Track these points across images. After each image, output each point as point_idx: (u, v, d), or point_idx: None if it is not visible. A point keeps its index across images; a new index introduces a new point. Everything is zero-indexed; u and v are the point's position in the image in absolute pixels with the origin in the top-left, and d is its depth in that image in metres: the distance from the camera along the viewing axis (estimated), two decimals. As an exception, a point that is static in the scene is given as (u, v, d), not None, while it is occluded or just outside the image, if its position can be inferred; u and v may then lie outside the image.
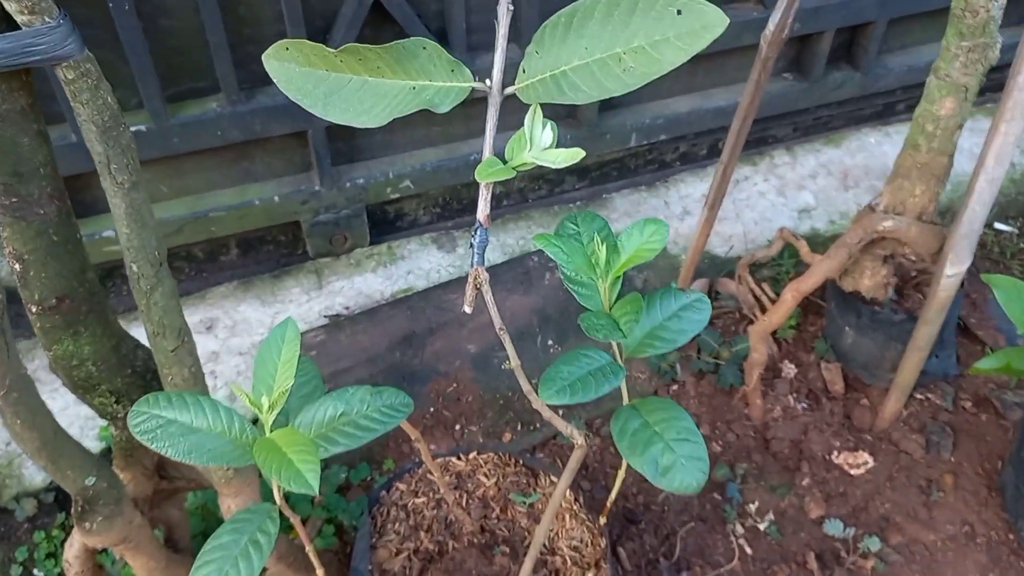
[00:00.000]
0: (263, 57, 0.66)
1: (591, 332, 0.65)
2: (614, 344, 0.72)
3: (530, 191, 2.14)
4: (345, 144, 1.85)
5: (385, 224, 2.03)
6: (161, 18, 1.51)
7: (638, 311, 0.66)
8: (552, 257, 0.69)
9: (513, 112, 0.81)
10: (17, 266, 0.86)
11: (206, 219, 1.75)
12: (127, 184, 0.79)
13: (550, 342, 1.78)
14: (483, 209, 0.69)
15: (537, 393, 0.67)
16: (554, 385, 0.66)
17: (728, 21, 0.58)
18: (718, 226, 2.03)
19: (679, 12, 0.60)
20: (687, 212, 2.11)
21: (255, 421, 0.72)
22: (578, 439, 0.74)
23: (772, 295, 1.84)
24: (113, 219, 0.84)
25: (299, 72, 0.69)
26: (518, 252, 1.99)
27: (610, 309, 0.72)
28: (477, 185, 2.14)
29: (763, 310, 1.82)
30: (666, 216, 2.10)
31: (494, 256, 1.96)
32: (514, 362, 0.76)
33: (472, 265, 0.69)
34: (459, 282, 1.90)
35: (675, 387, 1.73)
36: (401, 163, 1.88)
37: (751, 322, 1.82)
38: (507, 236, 2.03)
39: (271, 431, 0.66)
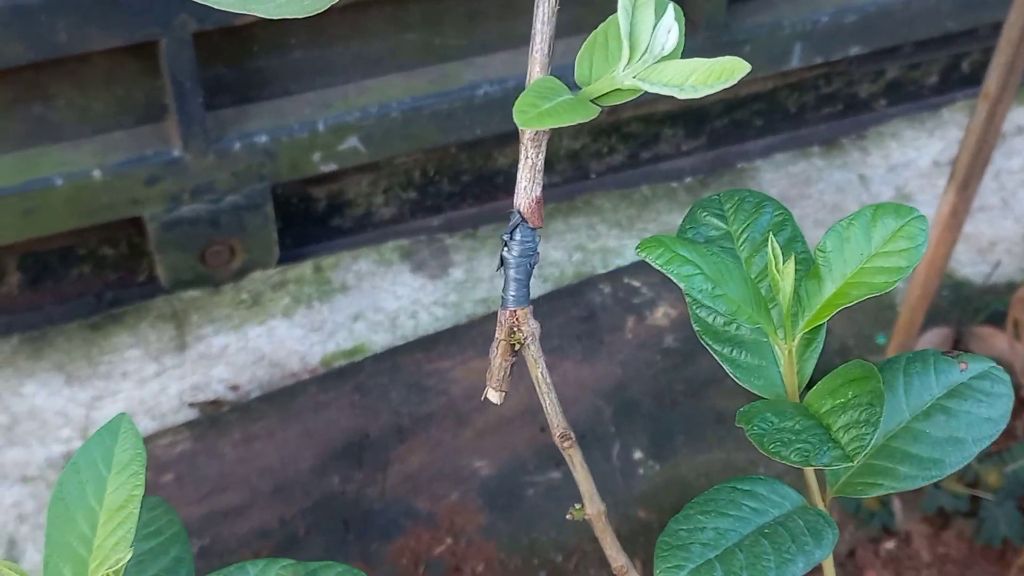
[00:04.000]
0: None
1: (770, 448, 0.62)
2: (809, 472, 0.69)
3: (592, 156, 2.16)
4: (232, 67, 1.86)
5: (310, 224, 2.04)
6: None
7: (875, 402, 0.62)
8: (677, 282, 0.65)
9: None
10: None
11: (-41, 215, 1.77)
12: None
13: (637, 454, 1.78)
14: (527, 189, 0.67)
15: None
16: (688, 560, 0.64)
17: None
18: (968, 224, 1.99)
19: None
20: (906, 196, 2.13)
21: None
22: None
23: None
24: None
25: None
26: (571, 276, 2.01)
27: (802, 398, 0.69)
28: (488, 146, 2.24)
29: None
30: (865, 203, 2.09)
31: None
32: (592, 508, 0.74)
33: (504, 305, 0.69)
34: (455, 336, 1.91)
35: (890, 544, 1.73)
36: (342, 104, 1.90)
37: None
38: (550, 245, 2.06)
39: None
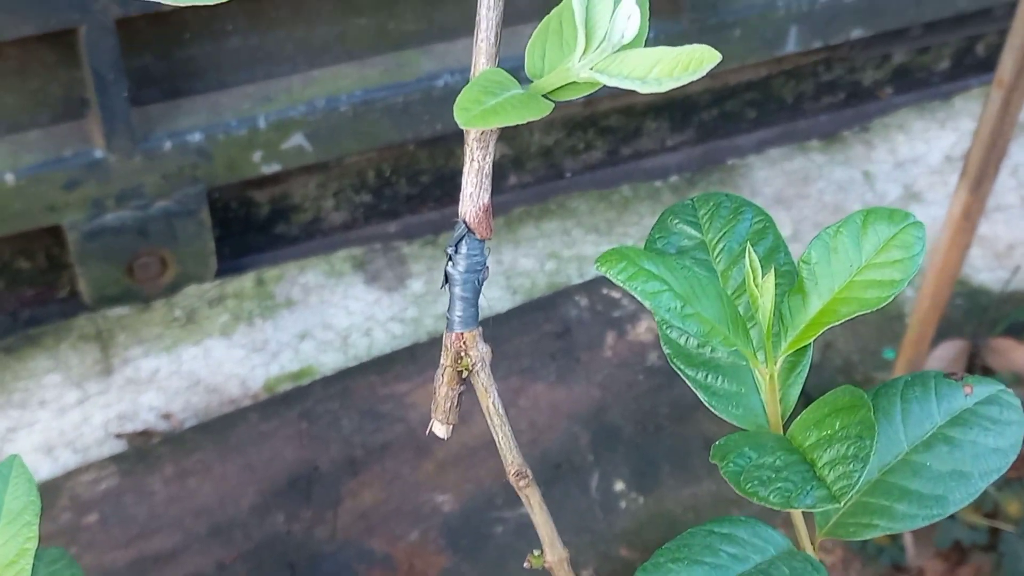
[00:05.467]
0: None
1: (747, 488, 0.63)
2: (795, 512, 0.69)
3: (567, 153, 2.17)
4: (160, 57, 1.86)
5: (251, 232, 2.06)
6: None
7: (865, 434, 0.63)
8: (642, 300, 0.65)
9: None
10: None
11: None
12: None
13: (619, 486, 1.79)
14: (473, 196, 0.68)
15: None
16: None
17: None
18: (984, 225, 2.02)
19: None
20: (914, 195, 2.15)
21: None
22: None
23: None
24: None
25: None
26: (544, 287, 2.02)
27: (786, 428, 0.69)
28: (450, 143, 2.25)
29: None
30: (869, 203, 2.13)
31: (495, 296, 2.00)
32: (552, 555, 0.75)
33: (449, 328, 0.70)
34: (413, 355, 1.93)
35: None
36: (285, 97, 1.91)
37: None
38: (520, 253, 2.07)
39: None
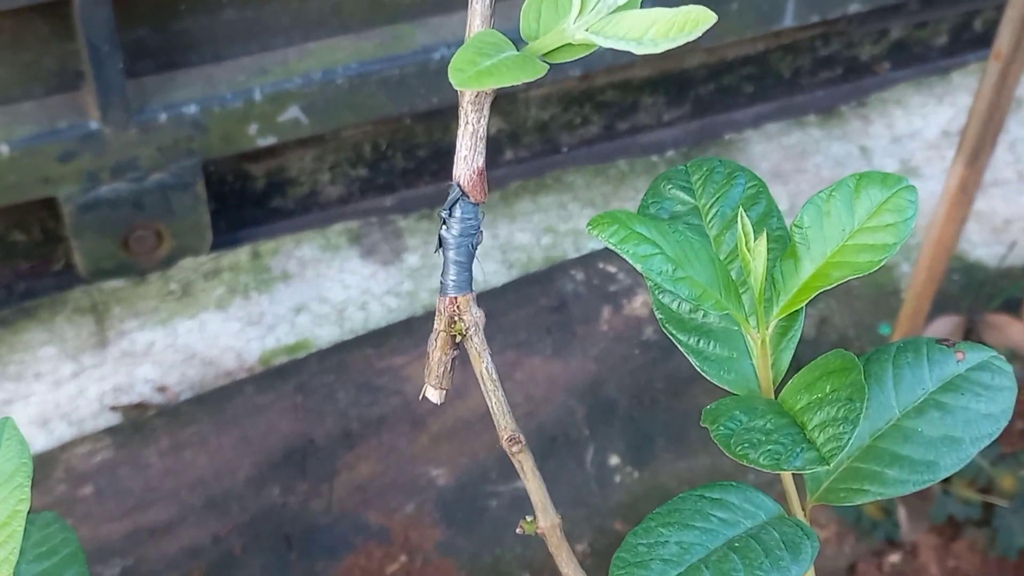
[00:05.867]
0: None
1: (737, 450, 0.63)
2: (786, 477, 0.70)
3: (563, 128, 2.18)
4: (156, 29, 1.86)
5: (247, 205, 2.07)
6: None
7: (855, 396, 0.63)
8: (634, 263, 0.65)
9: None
10: None
11: None
12: None
13: (614, 460, 1.80)
14: (467, 159, 0.69)
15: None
16: None
17: None
18: (981, 200, 2.04)
19: None
20: (912, 170, 2.16)
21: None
22: None
23: None
24: None
25: None
26: (540, 261, 2.04)
27: (777, 393, 0.69)
28: (446, 116, 2.23)
29: None
30: None
31: (491, 270, 2.01)
32: (544, 521, 0.75)
33: (443, 292, 0.70)
34: (409, 328, 1.94)
35: (894, 557, 1.75)
36: (281, 69, 1.91)
37: None
38: (516, 227, 2.08)
39: None
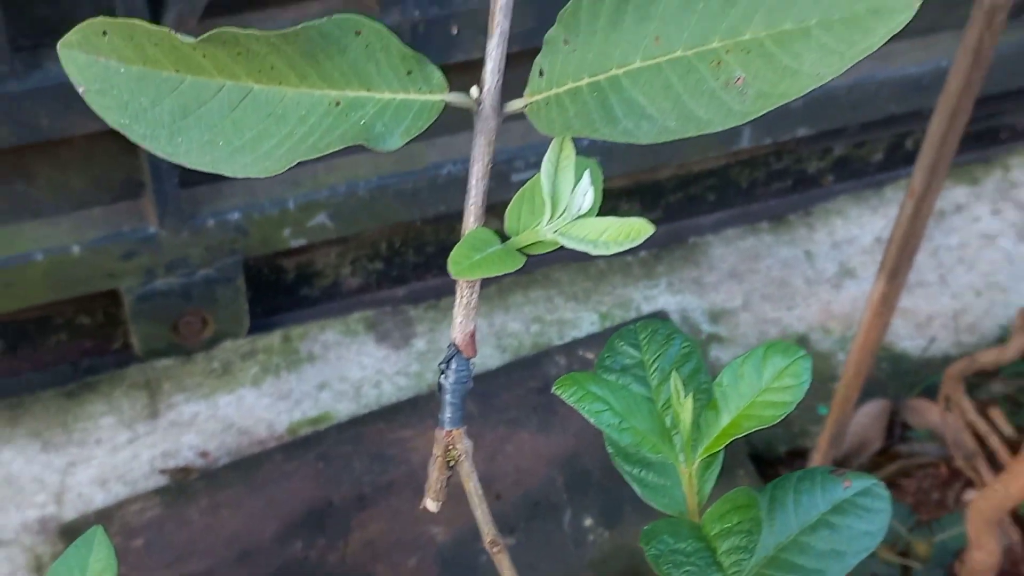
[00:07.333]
0: (59, 47, 0.69)
1: (664, 569, 0.68)
2: None
3: None
4: None
5: (280, 295, 2.07)
6: None
7: (755, 530, 0.68)
8: (588, 418, 0.71)
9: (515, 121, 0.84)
10: None
11: (-58, 288, 1.81)
12: None
13: (588, 522, 1.82)
14: (462, 324, 0.71)
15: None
16: None
17: (919, 4, 0.61)
18: (907, 299, 2.07)
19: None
20: (848, 272, 2.17)
21: None
22: None
23: (1010, 432, 1.89)
24: None
25: (125, 75, 0.72)
26: (529, 347, 2.04)
27: (700, 516, 0.74)
28: (452, 220, 2.24)
29: (993, 464, 1.86)
30: (810, 279, 2.16)
31: (487, 354, 2.02)
32: None
33: (441, 425, 0.72)
34: (416, 406, 1.95)
35: None
36: (311, 182, 1.93)
37: (970, 486, 1.86)
38: (511, 318, 2.09)
39: None
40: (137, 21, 0.68)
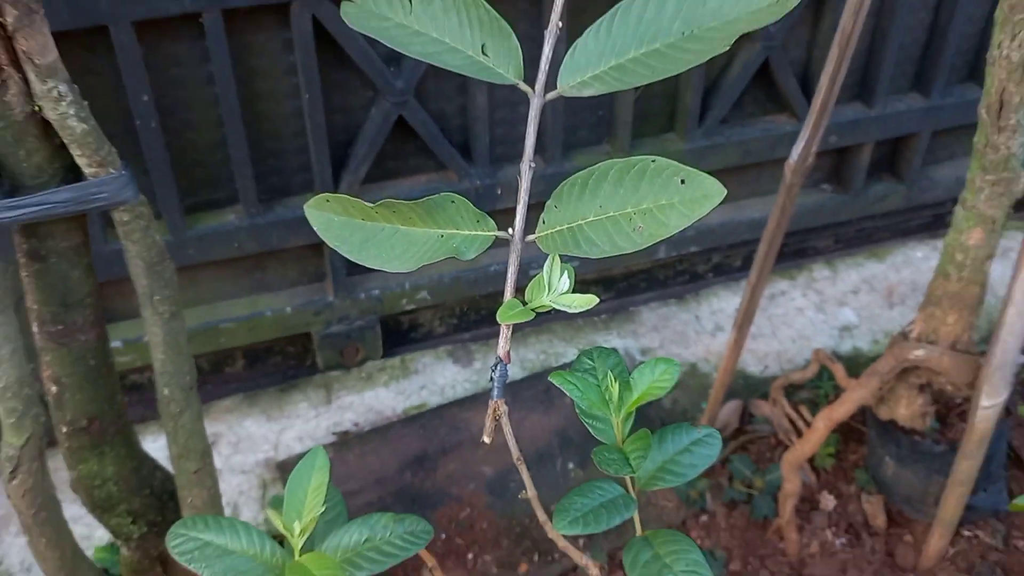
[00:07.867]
0: (305, 208, 0.79)
1: (603, 466, 0.74)
2: (627, 477, 0.80)
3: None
4: None
5: (399, 336, 2.10)
6: (186, 132, 1.67)
7: (648, 447, 0.74)
8: (567, 393, 0.79)
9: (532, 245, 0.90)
10: (54, 388, 1.00)
11: (215, 330, 1.85)
12: (167, 314, 0.94)
13: (571, 466, 1.82)
14: (503, 346, 0.77)
15: (552, 522, 0.75)
16: (567, 516, 0.75)
17: (724, 193, 0.71)
18: (752, 344, 2.09)
19: (682, 181, 0.73)
20: (719, 328, 2.17)
21: (281, 543, 0.82)
22: (593, 570, 0.82)
23: (809, 419, 1.89)
24: (150, 345, 0.99)
25: (337, 221, 0.80)
26: (539, 367, 2.05)
27: (623, 443, 0.80)
28: (496, 295, 2.23)
29: (800, 435, 1.87)
30: (697, 332, 2.16)
31: (514, 372, 2.02)
32: (530, 492, 0.83)
33: (492, 398, 0.77)
34: (475, 399, 1.95)
35: (704, 518, 1.75)
36: (418, 274, 1.97)
37: (786, 448, 1.87)
38: (528, 351, 2.09)
39: (300, 555, 0.75)
40: (344, 196, 0.80)
